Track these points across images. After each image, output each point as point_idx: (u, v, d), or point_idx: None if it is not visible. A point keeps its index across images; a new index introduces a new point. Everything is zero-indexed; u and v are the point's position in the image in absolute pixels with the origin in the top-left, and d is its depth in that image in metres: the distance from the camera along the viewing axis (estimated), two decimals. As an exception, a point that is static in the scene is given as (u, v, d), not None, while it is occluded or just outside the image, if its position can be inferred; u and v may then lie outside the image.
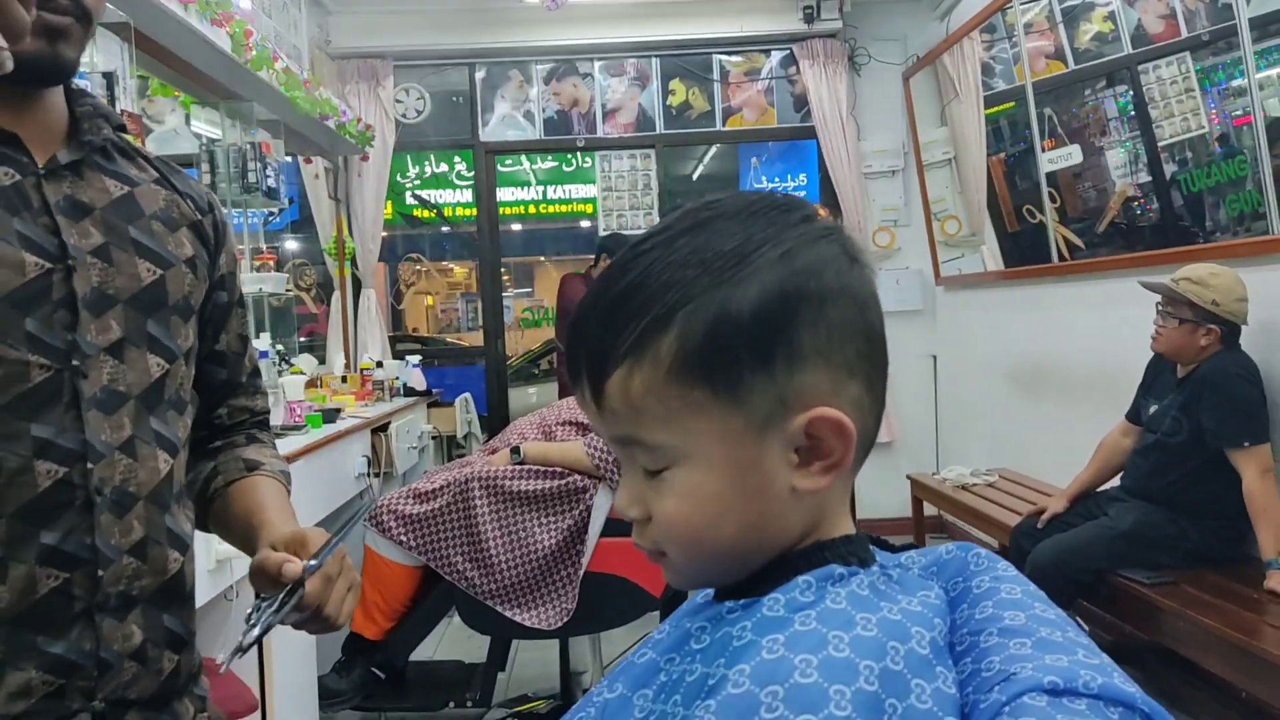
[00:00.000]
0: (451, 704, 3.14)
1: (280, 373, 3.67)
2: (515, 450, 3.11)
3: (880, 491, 5.40)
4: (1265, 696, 2.52)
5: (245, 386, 1.21)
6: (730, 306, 0.58)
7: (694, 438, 0.60)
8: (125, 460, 0.93)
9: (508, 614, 2.96)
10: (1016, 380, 4.68)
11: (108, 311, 0.94)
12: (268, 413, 1.27)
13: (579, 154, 7.57)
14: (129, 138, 1.08)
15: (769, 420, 0.60)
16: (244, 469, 1.15)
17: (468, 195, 6.37)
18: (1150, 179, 4.06)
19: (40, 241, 0.91)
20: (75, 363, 0.91)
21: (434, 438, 4.83)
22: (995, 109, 4.89)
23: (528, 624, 2.96)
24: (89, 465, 0.90)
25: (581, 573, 2.97)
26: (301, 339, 5.68)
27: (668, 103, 5.60)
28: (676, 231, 0.62)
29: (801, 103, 5.57)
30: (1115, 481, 3.29)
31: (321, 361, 5.06)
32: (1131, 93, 4.12)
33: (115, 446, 0.93)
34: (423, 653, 3.31)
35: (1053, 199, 4.46)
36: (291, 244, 6.95)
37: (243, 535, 1.08)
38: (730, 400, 0.59)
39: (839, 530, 0.65)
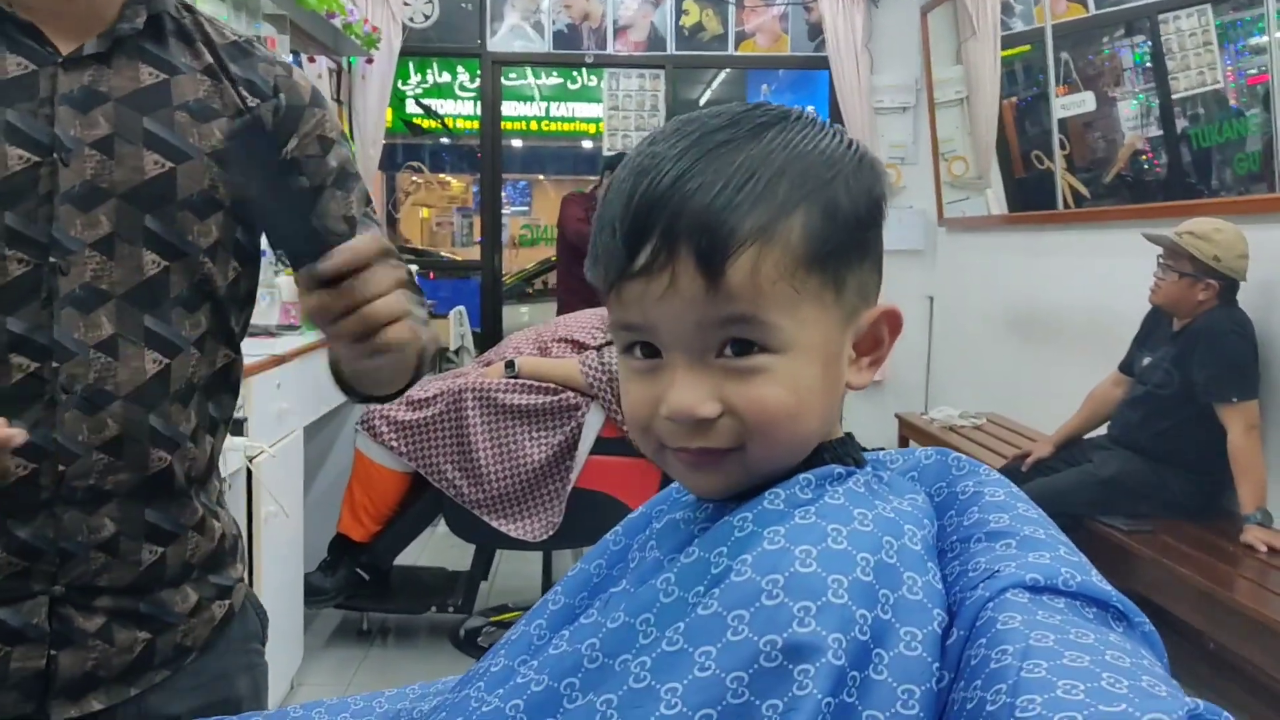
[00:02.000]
0: (433, 609, 3.20)
1: (276, 273, 3.65)
2: (510, 364, 3.12)
3: (868, 429, 5.42)
4: (1234, 646, 2.58)
5: None
6: (843, 201, 0.62)
7: (803, 326, 0.61)
8: (102, 359, 0.92)
9: (494, 524, 3.00)
10: (1012, 326, 4.69)
11: (98, 206, 0.91)
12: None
13: (585, 71, 7.44)
14: (203, 21, 1.03)
15: (852, 314, 0.64)
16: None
17: (469, 107, 6.29)
18: (1161, 133, 4.02)
19: (31, 133, 0.89)
20: (53, 259, 0.89)
21: (427, 348, 4.83)
22: (1012, 50, 4.82)
23: (513, 535, 3.00)
24: (54, 364, 0.90)
25: (569, 488, 3.01)
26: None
27: (680, 23, 5.51)
28: (750, 128, 0.62)
29: (816, 31, 5.48)
30: (1102, 430, 3.32)
31: (318, 265, 5.04)
32: (1149, 43, 4.06)
33: (90, 345, 0.91)
34: (408, 558, 3.35)
35: (1062, 146, 4.43)
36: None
37: None
38: (835, 292, 0.62)
39: (836, 433, 0.67)
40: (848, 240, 0.62)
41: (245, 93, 1.01)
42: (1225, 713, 0.45)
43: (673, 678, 0.54)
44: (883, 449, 0.74)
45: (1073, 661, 0.48)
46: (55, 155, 0.89)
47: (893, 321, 0.66)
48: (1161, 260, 2.99)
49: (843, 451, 0.66)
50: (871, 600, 0.54)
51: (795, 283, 0.60)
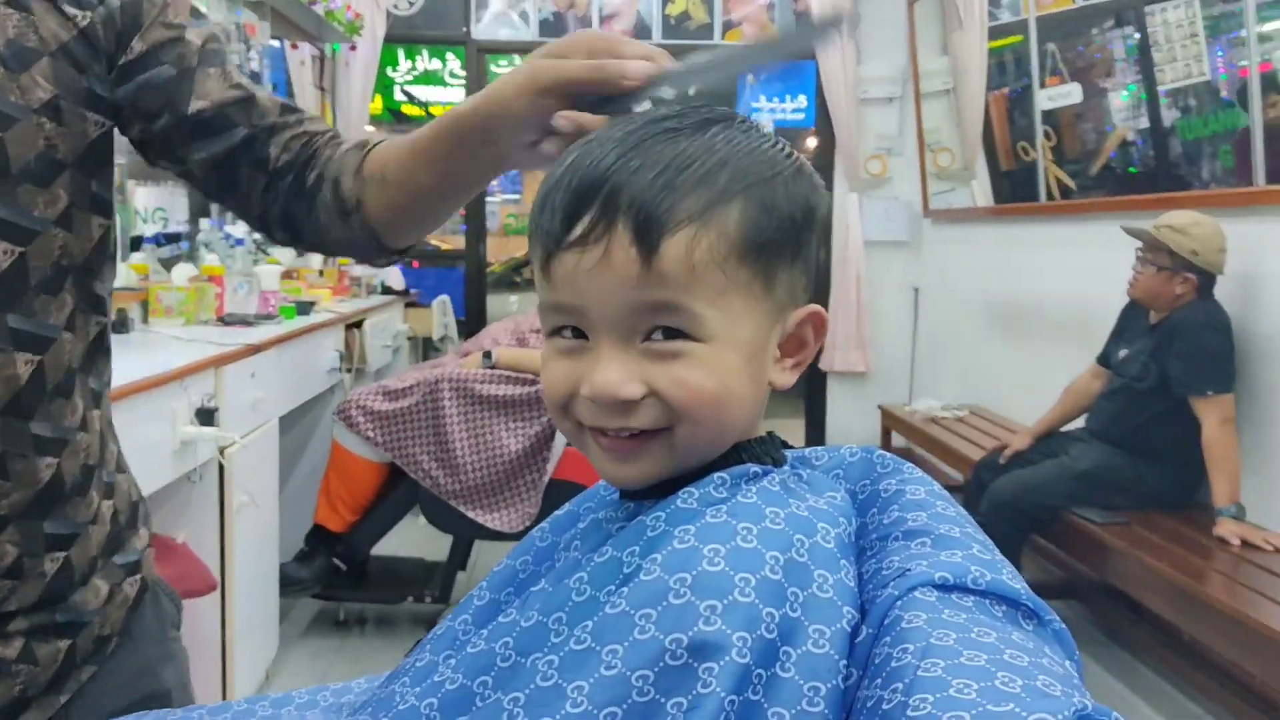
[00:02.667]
0: (410, 599, 3.20)
1: (256, 261, 3.64)
2: (488, 354, 3.11)
3: (852, 420, 5.44)
4: (1205, 639, 2.59)
5: (280, 125, 0.92)
6: (781, 201, 0.63)
7: (730, 317, 0.61)
8: None
9: (470, 515, 3.00)
10: (995, 318, 4.69)
11: None
12: (334, 131, 0.97)
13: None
14: None
15: (779, 312, 0.65)
16: (359, 151, 0.90)
17: (459, 95, 6.25)
18: (1149, 124, 4.01)
19: None
20: None
21: (410, 338, 4.82)
22: (999, 41, 4.81)
23: (490, 525, 3.00)
24: None
25: (546, 479, 3.00)
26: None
27: (666, 11, 5.49)
28: (694, 124, 0.63)
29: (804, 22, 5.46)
30: (1080, 423, 3.33)
31: (299, 254, 5.02)
32: (1138, 35, 4.05)
33: None
34: (385, 548, 3.35)
35: (1048, 137, 4.42)
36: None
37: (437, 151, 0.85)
38: (765, 286, 0.63)
39: (755, 432, 0.67)
40: (782, 238, 0.63)
41: (69, 7, 0.82)
42: (1114, 713, 0.45)
43: (579, 676, 0.54)
44: (819, 447, 0.74)
45: (970, 660, 0.49)
46: None
47: (818, 324, 0.66)
48: (1140, 253, 3.00)
49: (761, 450, 0.66)
50: (780, 599, 0.54)
51: (727, 270, 0.60)
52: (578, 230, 0.60)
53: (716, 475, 0.62)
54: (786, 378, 0.66)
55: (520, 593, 0.69)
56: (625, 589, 0.56)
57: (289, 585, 3.01)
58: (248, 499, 2.43)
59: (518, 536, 3.07)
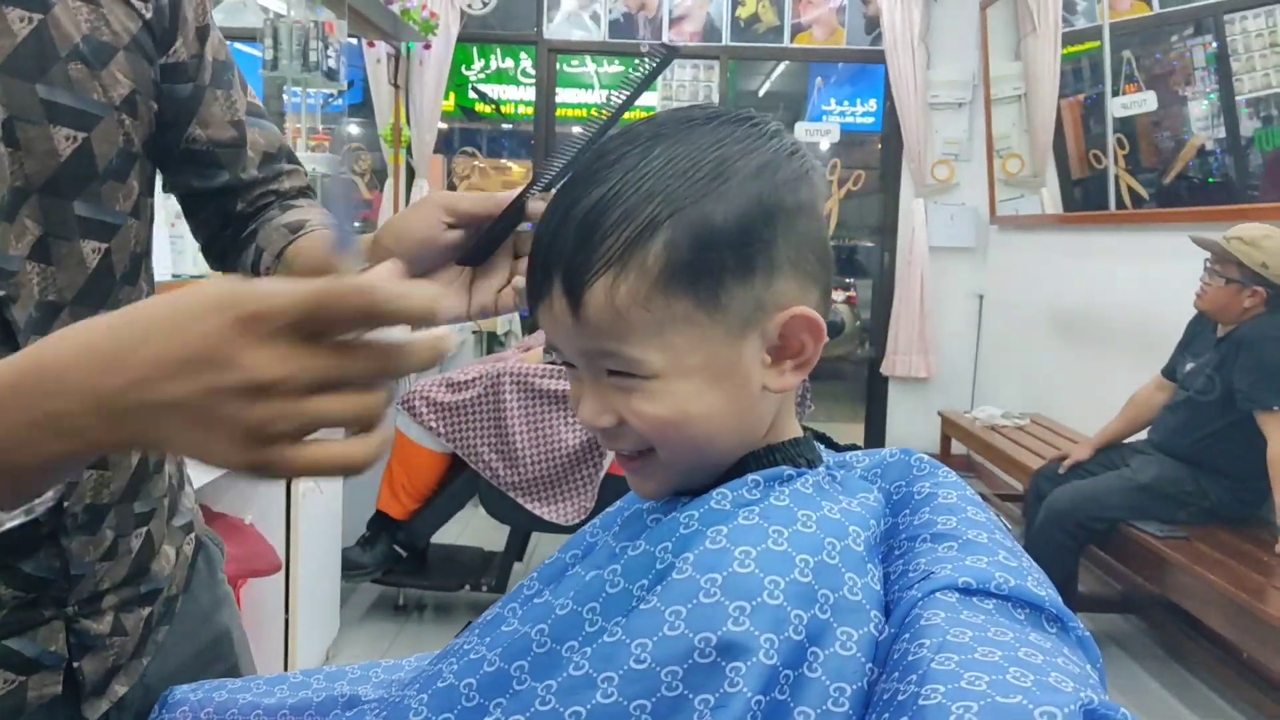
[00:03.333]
0: (467, 587, 3.26)
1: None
2: (549, 349, 3.16)
3: (912, 426, 5.41)
4: (1265, 659, 2.55)
5: (257, 182, 0.98)
6: (716, 218, 0.61)
7: (674, 349, 0.62)
8: None
9: (528, 506, 3.05)
10: (1060, 327, 4.64)
11: (21, 209, 0.75)
12: (307, 189, 1.03)
13: (647, 61, 7.45)
14: None
15: (747, 325, 0.63)
16: (288, 233, 0.93)
17: (530, 93, 6.33)
18: (1226, 134, 3.94)
19: None
20: (2, 292, 0.74)
21: (474, 332, 4.89)
22: (1077, 47, 4.75)
23: (546, 518, 3.05)
24: None
25: (602, 474, 3.04)
26: (356, 224, 5.73)
27: (736, 13, 5.50)
28: (648, 139, 0.63)
29: (873, 25, 5.44)
30: (1143, 435, 3.28)
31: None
32: (1217, 44, 3.98)
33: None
34: (445, 536, 3.42)
35: (1121, 145, 4.36)
36: (351, 128, 6.98)
37: None
38: (712, 308, 0.61)
39: (788, 434, 0.69)
40: (719, 259, 0.61)
41: (129, 3, 0.82)
42: (1122, 709, 0.47)
43: (610, 668, 0.56)
44: (855, 447, 0.75)
45: (984, 656, 0.50)
46: None
47: (809, 325, 0.64)
48: (1208, 265, 2.95)
49: (796, 452, 0.67)
50: (809, 600, 0.56)
51: (653, 307, 0.61)
52: (533, 286, 0.65)
53: (750, 477, 0.64)
54: (785, 380, 0.65)
55: None
56: (658, 586, 0.58)
57: (351, 569, 3.09)
58: (312, 484, 2.51)
59: (573, 529, 3.12)
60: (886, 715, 0.50)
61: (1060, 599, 0.58)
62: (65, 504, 0.80)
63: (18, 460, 0.50)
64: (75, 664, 0.83)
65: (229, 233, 0.98)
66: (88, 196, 0.79)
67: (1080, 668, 0.52)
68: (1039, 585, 0.58)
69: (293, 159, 1.03)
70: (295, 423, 0.47)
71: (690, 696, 0.53)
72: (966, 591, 0.56)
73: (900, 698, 0.50)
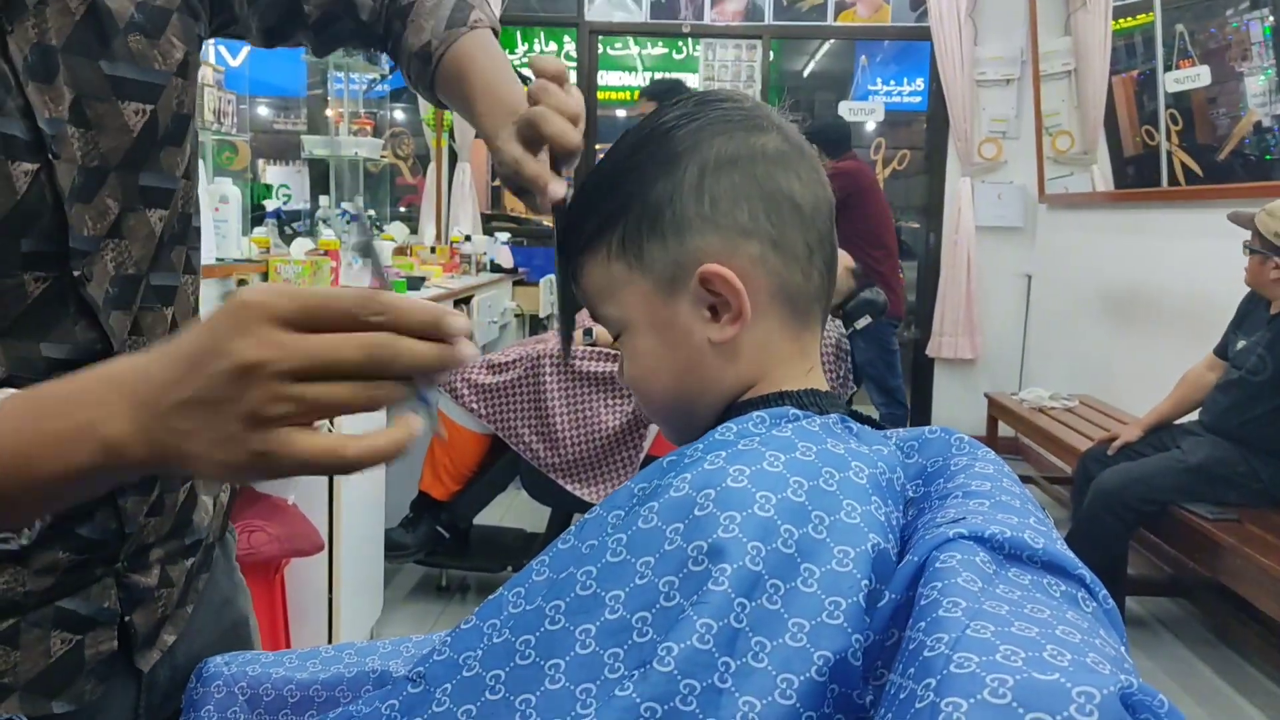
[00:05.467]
0: (509, 568, 3.28)
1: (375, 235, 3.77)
2: (588, 332, 3.16)
3: (957, 408, 5.36)
4: (1317, 643, 2.49)
5: (376, 9, 1.01)
6: (631, 190, 0.71)
7: (626, 308, 0.72)
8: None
9: (568, 488, 3.06)
10: (1109, 306, 4.55)
11: (100, 189, 0.75)
12: None
13: (689, 42, 7.43)
14: None
15: (674, 282, 0.70)
16: (421, 63, 0.99)
17: (573, 76, 6.34)
18: (1281, 110, 3.84)
19: (22, 136, 0.70)
20: (75, 271, 0.74)
21: (516, 315, 4.91)
22: (1129, 22, 4.64)
23: (587, 499, 3.06)
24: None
25: (642, 455, 3.05)
26: (402, 209, 5.78)
27: (779, -9, 5.45)
28: (629, 142, 0.73)
29: (919, 1, 5.36)
30: (1193, 416, 3.22)
31: (413, 231, 5.16)
32: (1274, 17, 3.86)
33: (126, 336, 0.81)
34: (487, 518, 3.44)
35: (1174, 121, 4.25)
36: (396, 113, 7.03)
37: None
38: (640, 270, 0.71)
39: (802, 384, 0.71)
40: (638, 222, 0.71)
41: None
42: (1160, 695, 0.45)
43: (616, 586, 0.58)
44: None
45: (1021, 630, 0.49)
46: (49, 155, 0.71)
47: (719, 280, 0.68)
48: (1245, 241, 2.90)
49: (808, 400, 0.70)
50: (802, 518, 0.57)
51: (605, 274, 0.73)
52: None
53: (756, 414, 0.66)
54: (725, 333, 0.69)
55: None
56: (655, 503, 0.60)
57: (394, 550, 3.12)
58: (355, 464, 2.53)
59: (614, 511, 3.12)
60: (912, 669, 0.49)
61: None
62: None
63: (43, 469, 0.53)
64: (126, 618, 0.85)
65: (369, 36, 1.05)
66: (151, 166, 0.81)
67: (1116, 650, 0.51)
68: (1067, 551, 0.57)
69: None
70: (289, 406, 0.50)
71: (684, 603, 0.55)
72: (996, 548, 0.55)
73: (927, 654, 0.49)
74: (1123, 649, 0.53)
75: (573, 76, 0.82)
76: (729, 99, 0.72)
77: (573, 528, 0.75)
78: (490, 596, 0.71)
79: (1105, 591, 0.57)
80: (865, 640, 0.55)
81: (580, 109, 0.81)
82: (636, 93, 8.42)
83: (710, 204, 0.69)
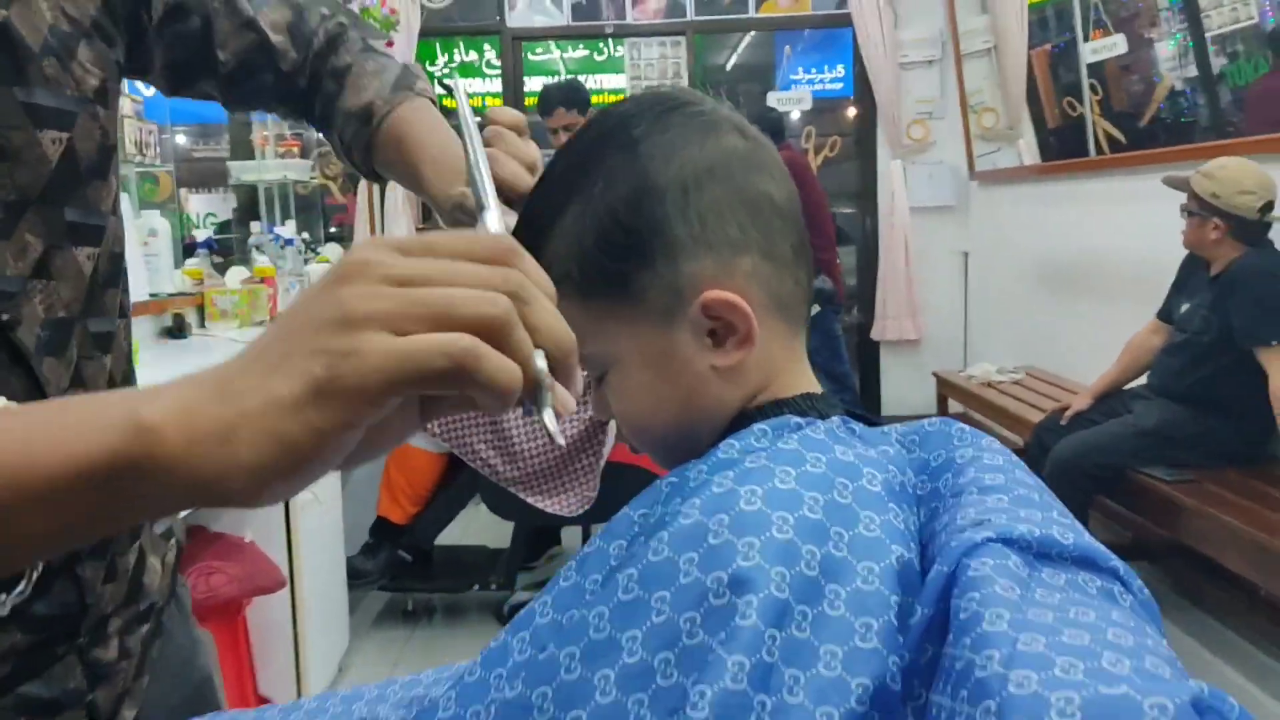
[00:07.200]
0: (475, 587, 3.23)
1: (306, 261, 3.69)
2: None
3: (906, 389, 5.40)
4: (1283, 594, 2.54)
5: (298, 68, 0.97)
6: (603, 209, 0.64)
7: (610, 344, 0.66)
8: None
9: (530, 500, 3.01)
10: (1049, 277, 4.62)
11: (18, 224, 0.70)
12: (340, 29, 1.00)
13: (611, 42, 7.42)
14: None
15: (670, 312, 0.65)
16: (360, 125, 0.95)
17: (497, 85, 6.27)
18: (1197, 73, 3.91)
19: None
20: (5, 316, 0.69)
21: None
22: (1039, -4, 4.71)
23: (550, 510, 3.01)
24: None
25: (603, 462, 3.01)
26: (332, 229, 5.67)
27: (699, -13, 5.45)
28: (567, 147, 0.67)
29: (838, -12, 5.40)
30: (1142, 380, 3.27)
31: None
32: (1182, -20, 3.95)
33: (66, 386, 0.75)
34: (449, 537, 3.38)
35: (1095, 90, 4.33)
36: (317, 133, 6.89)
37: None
38: (628, 302, 0.65)
39: (798, 389, 0.68)
40: (618, 250, 0.64)
41: None
42: (1230, 698, 0.43)
43: (632, 625, 0.54)
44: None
45: (1072, 639, 0.46)
46: None
47: (725, 306, 0.64)
48: (1182, 204, 2.96)
49: (805, 405, 0.67)
50: (821, 536, 0.54)
51: (581, 311, 0.64)
52: None
53: (757, 427, 0.63)
54: (731, 358, 0.65)
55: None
56: (664, 533, 0.56)
57: (357, 578, 3.05)
58: (311, 495, 2.47)
59: (578, 521, 3.09)
60: (964, 691, 0.46)
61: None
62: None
63: (40, 460, 0.40)
64: (89, 696, 0.80)
65: (298, 106, 1.00)
66: (76, 201, 0.75)
67: (1166, 648, 0.49)
68: (1095, 543, 0.55)
69: (311, 6, 1.00)
70: (390, 301, 0.39)
71: (710, 641, 0.51)
72: (1026, 548, 0.52)
73: (980, 674, 0.46)
74: (1165, 642, 0.50)
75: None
76: (689, 101, 0.68)
77: (572, 562, 0.71)
78: (492, 643, 0.67)
79: (1139, 582, 0.54)
80: (902, 661, 0.52)
81: (536, 157, 0.77)
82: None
83: (699, 222, 0.64)
